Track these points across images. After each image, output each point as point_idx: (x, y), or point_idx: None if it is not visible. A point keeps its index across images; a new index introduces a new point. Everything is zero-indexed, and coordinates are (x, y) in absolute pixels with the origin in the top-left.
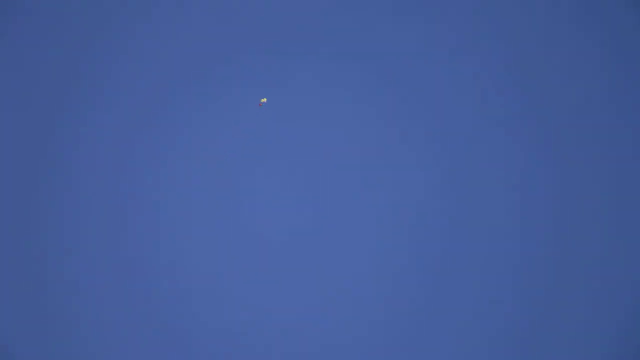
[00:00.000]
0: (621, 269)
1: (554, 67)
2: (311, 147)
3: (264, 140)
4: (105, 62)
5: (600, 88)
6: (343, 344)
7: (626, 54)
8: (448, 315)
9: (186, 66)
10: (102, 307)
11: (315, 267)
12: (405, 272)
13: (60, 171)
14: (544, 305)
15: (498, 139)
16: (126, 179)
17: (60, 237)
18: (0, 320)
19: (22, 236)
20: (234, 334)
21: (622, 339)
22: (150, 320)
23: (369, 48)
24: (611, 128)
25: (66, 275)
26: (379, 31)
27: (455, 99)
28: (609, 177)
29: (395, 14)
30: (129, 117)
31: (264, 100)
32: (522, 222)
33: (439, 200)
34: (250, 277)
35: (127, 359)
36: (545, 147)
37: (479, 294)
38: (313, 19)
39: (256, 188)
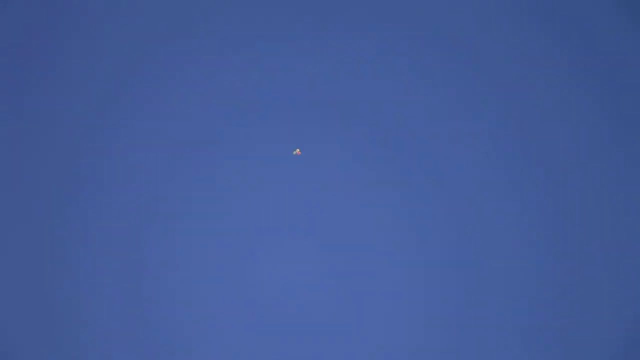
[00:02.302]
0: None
1: (555, 114)
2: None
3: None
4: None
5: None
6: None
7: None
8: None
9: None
10: (107, 313)
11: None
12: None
13: (86, 181)
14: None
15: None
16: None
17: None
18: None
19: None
20: None
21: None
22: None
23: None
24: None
25: (80, 283)
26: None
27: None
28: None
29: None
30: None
31: (298, 151)
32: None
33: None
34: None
35: None
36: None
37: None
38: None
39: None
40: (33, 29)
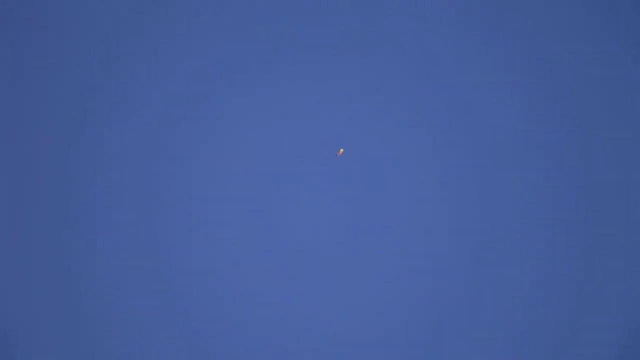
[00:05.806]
0: None
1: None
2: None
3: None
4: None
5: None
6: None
7: None
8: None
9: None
10: (129, 307)
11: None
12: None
13: (92, 169)
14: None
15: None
16: (156, 178)
17: (91, 237)
18: (29, 320)
19: (51, 237)
20: (260, 337)
21: None
22: (178, 321)
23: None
24: None
25: (95, 274)
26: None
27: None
28: None
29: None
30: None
31: (341, 150)
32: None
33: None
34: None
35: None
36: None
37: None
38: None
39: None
40: None
